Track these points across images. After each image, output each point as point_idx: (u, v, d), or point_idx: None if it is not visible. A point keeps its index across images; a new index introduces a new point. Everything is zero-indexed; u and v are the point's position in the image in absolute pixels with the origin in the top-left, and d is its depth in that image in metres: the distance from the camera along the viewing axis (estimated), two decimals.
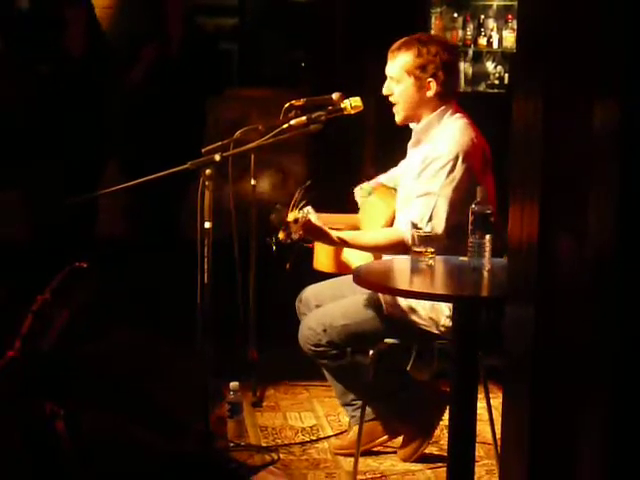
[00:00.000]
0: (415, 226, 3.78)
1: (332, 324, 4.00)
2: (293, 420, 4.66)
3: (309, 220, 3.79)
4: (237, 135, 4.37)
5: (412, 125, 4.10)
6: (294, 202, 3.85)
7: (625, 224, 1.85)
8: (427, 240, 3.64)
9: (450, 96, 4.04)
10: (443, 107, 4.01)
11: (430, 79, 3.98)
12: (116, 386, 3.66)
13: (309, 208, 3.83)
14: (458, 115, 4.02)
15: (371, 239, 3.96)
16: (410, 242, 3.74)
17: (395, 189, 4.19)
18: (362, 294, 4.06)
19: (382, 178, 4.38)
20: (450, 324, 3.87)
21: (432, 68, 3.97)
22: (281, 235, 3.78)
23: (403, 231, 3.88)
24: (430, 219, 3.81)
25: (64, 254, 4.78)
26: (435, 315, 3.91)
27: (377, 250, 4.03)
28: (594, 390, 1.96)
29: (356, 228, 4.23)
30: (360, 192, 4.32)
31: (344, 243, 3.98)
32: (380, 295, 3.96)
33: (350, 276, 4.13)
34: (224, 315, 4.28)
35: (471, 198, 3.74)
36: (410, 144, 4.16)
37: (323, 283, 4.32)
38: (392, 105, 4.08)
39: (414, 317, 3.93)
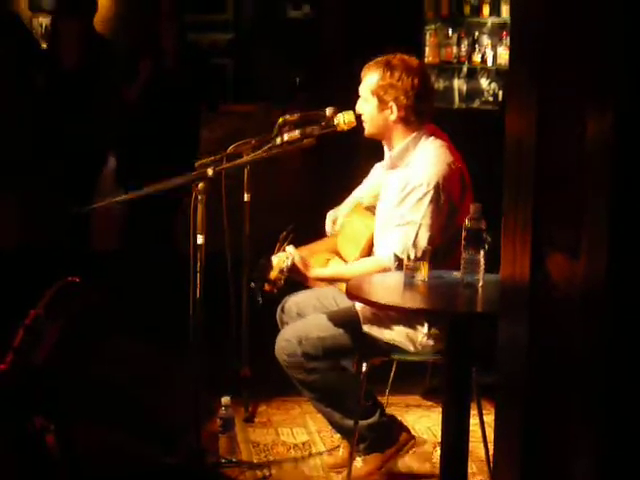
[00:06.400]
0: (397, 257, 3.82)
1: (308, 336, 4.00)
2: (285, 436, 4.64)
3: (293, 264, 3.84)
4: (230, 149, 4.38)
5: (386, 150, 4.12)
6: (278, 247, 3.92)
7: (617, 241, 1.85)
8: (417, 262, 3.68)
9: (420, 120, 4.04)
10: (417, 132, 4.03)
11: (392, 103, 4.00)
12: (108, 399, 3.65)
13: (291, 250, 3.87)
14: (433, 138, 4.03)
15: (356, 271, 3.97)
16: (395, 270, 3.82)
17: (374, 207, 4.20)
18: (342, 307, 4.08)
19: (349, 200, 4.41)
20: (427, 342, 3.90)
21: (393, 92, 3.99)
22: (267, 287, 3.85)
23: (385, 261, 3.91)
24: (412, 247, 3.82)
25: (58, 265, 4.78)
26: (412, 333, 3.92)
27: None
28: (586, 409, 1.95)
29: (337, 251, 4.26)
30: (331, 224, 4.37)
31: (329, 279, 4.10)
32: (358, 310, 3.97)
33: (332, 287, 4.17)
34: (217, 330, 4.27)
35: (451, 221, 3.87)
36: (385, 167, 4.18)
37: (305, 292, 4.34)
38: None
39: (391, 334, 3.94)
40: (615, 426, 1.92)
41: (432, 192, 3.88)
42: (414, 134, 4.02)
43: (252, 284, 3.97)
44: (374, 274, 3.91)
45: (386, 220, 4.02)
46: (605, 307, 1.89)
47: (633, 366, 1.90)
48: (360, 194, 4.41)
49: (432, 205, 3.88)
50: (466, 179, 4.02)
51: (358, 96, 4.13)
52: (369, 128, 4.10)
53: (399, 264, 3.82)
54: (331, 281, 4.15)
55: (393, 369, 4.74)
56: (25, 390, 3.25)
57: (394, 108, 4.00)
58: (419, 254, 3.74)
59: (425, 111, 4.05)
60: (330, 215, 4.42)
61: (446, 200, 3.90)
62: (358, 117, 4.17)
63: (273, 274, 3.85)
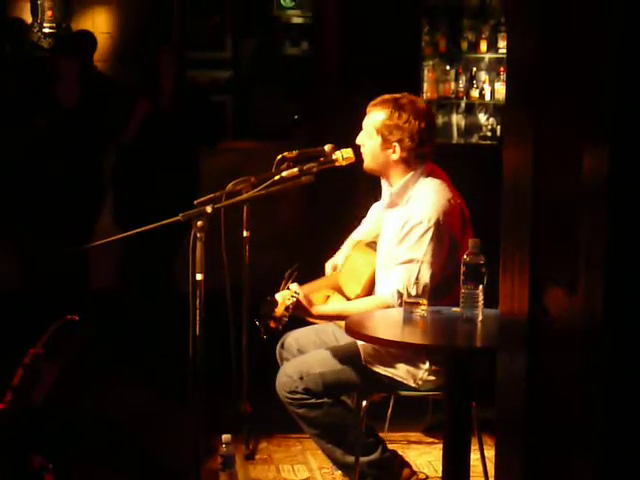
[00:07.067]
0: (400, 295, 3.83)
1: (309, 372, 3.99)
2: (286, 473, 4.62)
3: (298, 301, 3.84)
4: (229, 187, 4.38)
5: (384, 186, 4.13)
6: (283, 284, 3.92)
7: (614, 275, 1.85)
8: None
9: (420, 160, 4.05)
10: (415, 170, 4.03)
11: (395, 143, 4.01)
12: (107, 439, 3.64)
13: (295, 287, 3.88)
14: (432, 177, 4.04)
15: (359, 309, 3.96)
16: (398, 307, 3.83)
17: (374, 242, 4.20)
18: (342, 343, 4.07)
19: (348, 243, 4.42)
20: (428, 377, 3.89)
21: (399, 134, 4.00)
22: (272, 324, 3.86)
23: (389, 298, 3.91)
24: (414, 285, 3.82)
25: (56, 305, 4.77)
26: (413, 369, 3.91)
27: None
28: (586, 443, 1.95)
29: (339, 288, 4.26)
30: (331, 272, 4.38)
31: (333, 317, 4.08)
32: (359, 345, 3.96)
33: (332, 324, 4.17)
34: (217, 367, 4.26)
35: (451, 257, 3.87)
36: (385, 206, 4.19)
37: (305, 329, 4.35)
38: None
39: (391, 369, 3.93)
40: (615, 460, 1.91)
41: (433, 229, 3.88)
42: (412, 172, 4.03)
43: (256, 321, 3.96)
44: (375, 311, 3.91)
45: (387, 258, 4.02)
46: (603, 341, 1.89)
47: (631, 399, 1.90)
48: (359, 236, 4.41)
49: (433, 242, 3.88)
50: (466, 214, 4.03)
51: (357, 132, 4.14)
52: (368, 163, 4.11)
53: (402, 302, 3.82)
54: (334, 319, 4.14)
55: (391, 405, 4.73)
56: (24, 429, 3.24)
57: (397, 149, 4.01)
58: (420, 291, 3.74)
59: (427, 153, 4.06)
60: (329, 263, 4.43)
61: (447, 236, 3.91)
62: (357, 152, 4.18)
63: (278, 311, 3.85)
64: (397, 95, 4.07)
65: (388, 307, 3.91)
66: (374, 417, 4.15)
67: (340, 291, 4.26)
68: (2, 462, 3.16)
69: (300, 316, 4.00)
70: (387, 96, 4.08)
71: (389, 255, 4.01)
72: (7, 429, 3.21)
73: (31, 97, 6.49)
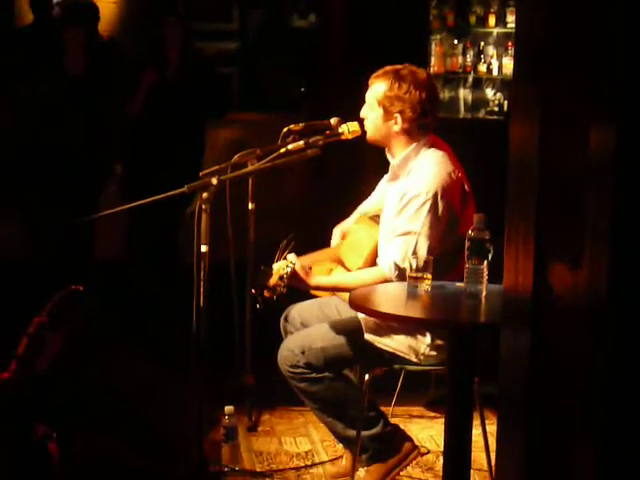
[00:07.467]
0: (398, 267, 3.82)
1: (311, 346, 4.00)
2: (288, 445, 4.64)
3: (294, 271, 3.84)
4: (235, 159, 4.37)
5: (390, 159, 4.12)
6: (279, 255, 3.92)
7: (619, 250, 1.85)
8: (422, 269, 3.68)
9: (422, 131, 4.04)
10: (417, 142, 4.03)
11: (397, 114, 4.00)
12: (110, 408, 3.65)
13: (292, 257, 3.88)
14: (434, 149, 4.03)
15: (357, 281, 3.97)
16: (396, 280, 3.84)
17: (378, 216, 4.20)
18: (344, 317, 4.08)
19: (356, 214, 4.42)
20: (430, 352, 3.89)
21: (400, 104, 3.99)
22: (266, 294, 3.86)
23: (386, 271, 3.91)
24: (413, 257, 3.82)
25: (62, 275, 4.78)
26: (415, 343, 3.91)
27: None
28: (588, 418, 1.95)
29: (341, 261, 4.26)
30: (338, 235, 4.38)
31: (330, 288, 4.09)
32: (361, 320, 3.97)
33: (335, 297, 4.17)
34: (220, 339, 4.27)
35: (451, 230, 3.87)
36: (387, 179, 4.19)
37: (309, 302, 4.35)
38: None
39: (393, 344, 3.93)
40: (617, 435, 1.92)
41: (431, 201, 3.87)
42: (415, 144, 4.02)
43: (252, 290, 3.97)
44: (375, 284, 3.91)
45: (387, 230, 4.02)
46: (607, 316, 1.89)
47: (635, 375, 1.90)
48: (365, 208, 4.42)
49: (431, 214, 3.87)
50: (467, 188, 4.01)
51: (362, 104, 4.13)
52: (371, 135, 4.11)
53: (399, 274, 3.82)
54: (332, 290, 4.14)
55: (400, 380, 4.74)
56: (28, 398, 3.25)
57: (399, 120, 4.00)
58: (420, 264, 3.73)
59: (429, 124, 4.05)
60: (337, 229, 4.43)
61: (446, 209, 3.90)
62: (361, 121, 4.17)
63: (272, 281, 3.86)
64: (398, 66, 4.06)
65: (386, 280, 3.91)
66: (378, 392, 4.15)
67: (342, 264, 4.26)
68: (6, 431, 3.17)
69: (297, 287, 3.99)
70: (388, 68, 4.07)
71: (389, 227, 4.01)
72: (11, 398, 3.22)
73: (40, 66, 6.49)
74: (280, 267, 3.86)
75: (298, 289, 4.04)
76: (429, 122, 4.04)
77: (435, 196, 3.88)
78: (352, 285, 3.91)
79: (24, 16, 7.79)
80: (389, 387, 4.78)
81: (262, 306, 3.95)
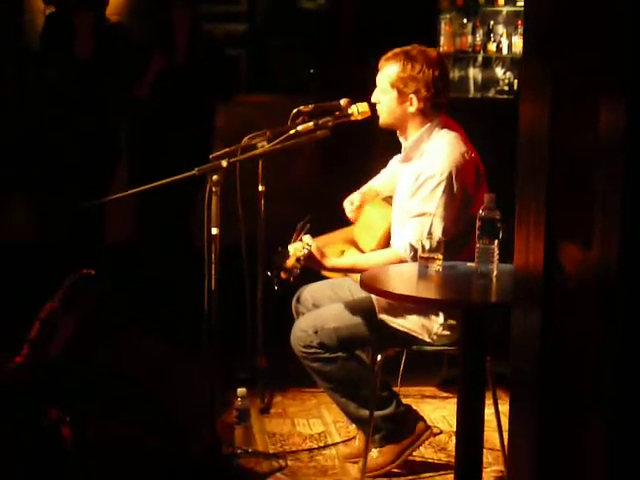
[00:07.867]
0: (413, 248, 3.82)
1: (324, 326, 4.00)
2: (301, 427, 4.65)
3: (310, 253, 3.84)
4: (244, 141, 4.37)
5: (402, 141, 4.11)
6: (295, 236, 3.92)
7: (629, 230, 1.84)
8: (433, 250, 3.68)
9: (436, 111, 4.03)
10: (430, 123, 4.01)
11: (412, 95, 3.98)
12: (124, 392, 3.66)
13: (308, 239, 3.88)
14: (447, 129, 4.02)
15: (372, 262, 3.97)
16: (411, 261, 3.84)
17: (391, 197, 4.19)
18: (357, 298, 4.08)
19: (365, 189, 4.41)
20: (443, 332, 3.90)
21: (414, 85, 3.97)
22: (283, 276, 3.87)
23: (401, 252, 3.91)
24: (427, 238, 3.81)
25: (73, 259, 4.79)
26: (428, 323, 3.91)
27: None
28: (600, 397, 1.95)
29: (354, 242, 4.26)
30: (350, 206, 4.36)
31: (346, 269, 4.08)
32: (374, 300, 3.97)
33: (347, 279, 4.17)
34: (232, 321, 4.28)
35: (466, 211, 3.87)
36: (400, 160, 4.18)
37: (321, 283, 4.35)
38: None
39: (406, 324, 3.93)
40: (627, 407, 1.92)
41: (445, 182, 3.87)
42: (428, 125, 4.01)
43: (268, 273, 3.98)
44: (389, 265, 3.91)
45: (401, 212, 4.02)
46: (618, 296, 1.89)
47: None
48: (376, 184, 4.41)
49: (445, 195, 3.87)
50: (480, 169, 4.01)
51: (373, 87, 4.11)
52: (385, 118, 4.08)
53: (414, 254, 3.82)
54: (347, 272, 4.14)
55: (403, 359, 4.75)
56: (41, 382, 3.27)
57: (414, 100, 3.99)
58: (434, 245, 3.73)
59: (442, 103, 4.04)
60: (347, 201, 4.40)
61: (460, 190, 3.89)
62: (373, 106, 4.16)
63: (290, 262, 3.87)
64: (407, 47, 4.04)
65: (401, 261, 3.91)
66: (390, 372, 4.16)
67: (356, 245, 4.26)
68: (20, 415, 3.19)
69: (312, 268, 4.00)
70: (397, 50, 4.05)
71: (403, 208, 4.00)
72: (24, 382, 3.24)
73: (50, 50, 6.50)
74: (297, 249, 3.87)
75: (312, 270, 4.04)
76: (442, 101, 4.03)
77: (449, 177, 3.87)
78: (367, 266, 3.91)
79: (33, 3, 7.79)
80: (400, 368, 4.79)
81: (280, 287, 3.96)
